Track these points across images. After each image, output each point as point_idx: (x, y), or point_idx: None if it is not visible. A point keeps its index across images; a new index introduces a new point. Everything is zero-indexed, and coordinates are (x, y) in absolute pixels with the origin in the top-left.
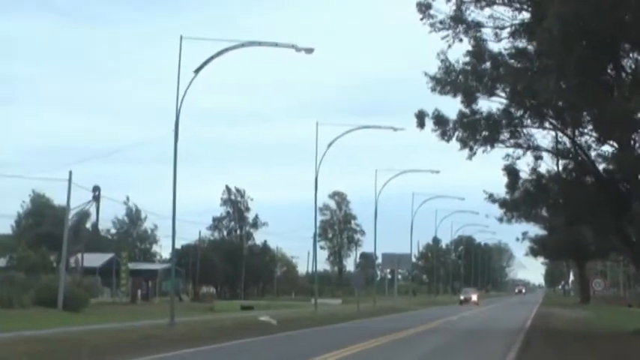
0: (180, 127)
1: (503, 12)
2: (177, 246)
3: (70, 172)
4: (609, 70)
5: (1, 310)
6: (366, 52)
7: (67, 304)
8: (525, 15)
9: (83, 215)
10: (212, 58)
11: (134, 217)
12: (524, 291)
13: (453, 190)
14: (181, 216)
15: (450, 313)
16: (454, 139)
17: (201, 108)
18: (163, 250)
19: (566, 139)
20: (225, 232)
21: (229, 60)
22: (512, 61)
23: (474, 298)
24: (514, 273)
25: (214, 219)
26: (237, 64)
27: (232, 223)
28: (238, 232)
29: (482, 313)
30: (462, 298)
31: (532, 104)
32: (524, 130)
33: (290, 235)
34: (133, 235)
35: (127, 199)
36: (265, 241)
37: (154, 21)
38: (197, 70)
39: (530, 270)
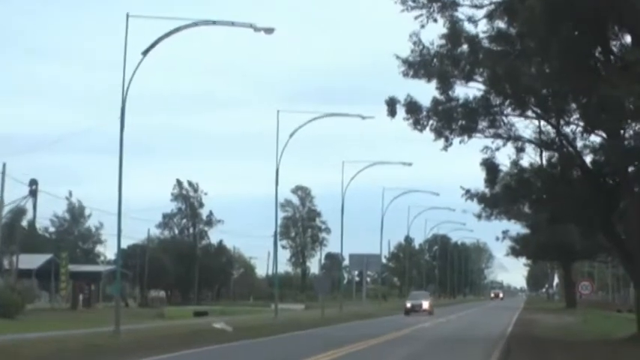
0: (127, 115)
1: None
2: (124, 246)
3: (4, 164)
4: (597, 54)
5: None
6: (332, 33)
7: (0, 310)
8: None
9: (18, 212)
10: (162, 38)
11: (76, 213)
12: (501, 295)
13: (427, 184)
14: (128, 212)
15: (422, 320)
16: (428, 128)
17: (150, 93)
18: (108, 250)
19: (550, 129)
20: (176, 231)
21: (181, 40)
22: (492, 43)
23: (425, 305)
24: (494, 275)
25: (164, 216)
26: (190, 45)
27: (184, 220)
28: (191, 230)
29: (458, 320)
30: (407, 305)
31: (513, 91)
32: (505, 119)
33: (248, 234)
34: (74, 233)
35: (70, 194)
36: (221, 241)
37: None
38: (145, 52)
39: (512, 272)
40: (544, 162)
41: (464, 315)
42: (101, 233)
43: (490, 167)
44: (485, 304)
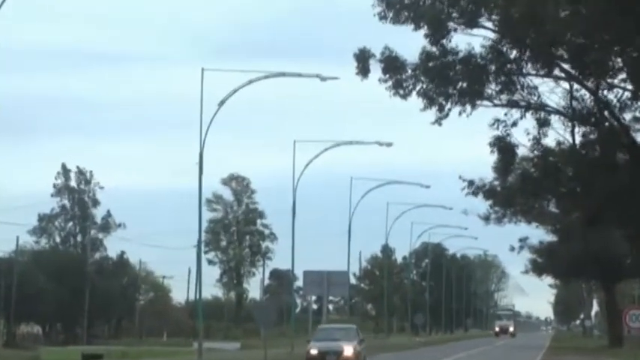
0: None
1: None
2: None
3: None
4: None
5: None
6: None
7: None
8: None
9: None
10: None
11: None
12: (512, 329)
13: (414, 173)
14: None
15: None
16: (415, 93)
17: (23, 48)
18: None
19: (586, 95)
20: (58, 239)
21: None
22: None
23: (348, 351)
24: (508, 300)
25: (41, 217)
26: None
27: (70, 223)
28: (79, 238)
29: None
30: (312, 352)
31: (534, 40)
32: (523, 81)
33: (160, 243)
34: None
35: None
36: (122, 253)
37: None
38: None
39: (533, 296)
40: (577, 141)
41: None
42: None
43: (503, 146)
44: (493, 341)
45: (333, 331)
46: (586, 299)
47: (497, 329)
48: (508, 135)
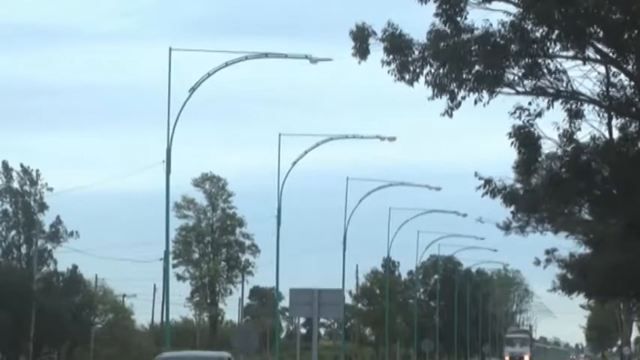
0: None
1: None
2: None
3: None
4: None
5: None
6: None
7: None
8: None
9: None
10: None
11: None
12: (527, 359)
13: (421, 172)
14: None
15: None
16: (422, 78)
17: None
18: None
19: (625, 81)
20: None
21: None
22: None
23: None
24: (532, 322)
25: None
26: None
27: (13, 232)
28: (24, 249)
29: None
30: None
31: (564, 16)
32: (551, 64)
33: (120, 256)
34: None
35: None
36: (75, 268)
37: None
38: None
39: (562, 319)
40: (615, 135)
41: None
42: None
43: (526, 140)
44: None
45: None
46: (624, 322)
47: (507, 358)
48: (532, 125)
